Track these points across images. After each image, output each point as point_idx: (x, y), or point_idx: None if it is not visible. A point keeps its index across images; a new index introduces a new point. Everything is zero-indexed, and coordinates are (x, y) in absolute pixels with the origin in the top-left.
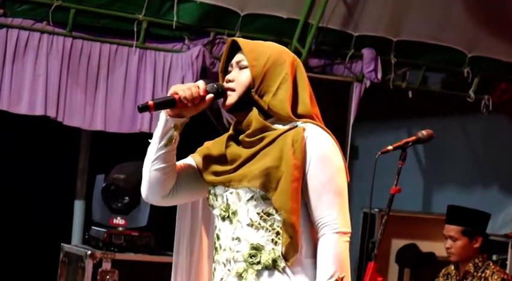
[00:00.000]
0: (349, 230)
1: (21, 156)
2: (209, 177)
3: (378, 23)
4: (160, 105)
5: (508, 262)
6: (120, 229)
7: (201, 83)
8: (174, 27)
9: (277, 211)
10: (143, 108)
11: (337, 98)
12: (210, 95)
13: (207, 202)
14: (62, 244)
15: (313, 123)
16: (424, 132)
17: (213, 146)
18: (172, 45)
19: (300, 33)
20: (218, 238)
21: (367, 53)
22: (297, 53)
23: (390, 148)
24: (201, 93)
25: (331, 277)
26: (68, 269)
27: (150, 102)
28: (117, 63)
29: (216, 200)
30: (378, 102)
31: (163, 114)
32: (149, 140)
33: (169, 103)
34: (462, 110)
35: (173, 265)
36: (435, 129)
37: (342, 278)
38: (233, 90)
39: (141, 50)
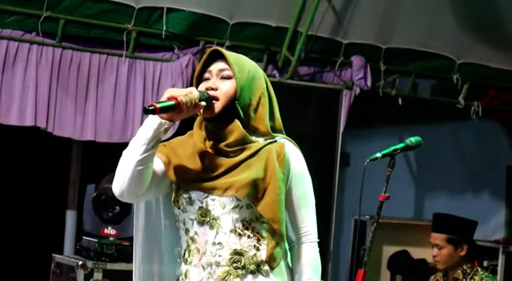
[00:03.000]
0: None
1: (13, 166)
2: (184, 181)
3: (367, 31)
4: (163, 109)
5: (498, 268)
6: (111, 238)
7: (194, 90)
8: (163, 36)
9: (257, 219)
10: (149, 111)
11: (327, 106)
12: (203, 103)
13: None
14: (53, 254)
15: (288, 139)
16: (412, 139)
17: (179, 147)
18: (162, 55)
19: (290, 41)
20: (193, 241)
21: (356, 60)
22: (287, 61)
23: (379, 155)
24: (196, 101)
25: (312, 279)
26: (60, 279)
27: (157, 106)
28: (107, 73)
29: (191, 205)
30: (370, 110)
31: (156, 117)
32: (131, 139)
33: (171, 108)
34: (452, 117)
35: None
36: (426, 135)
37: None
38: (217, 99)
39: (131, 60)
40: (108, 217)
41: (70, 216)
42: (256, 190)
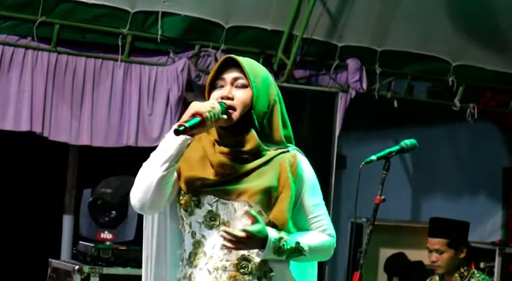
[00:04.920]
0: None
1: (10, 172)
2: (193, 185)
3: (362, 34)
4: (192, 127)
5: (495, 270)
6: (108, 243)
7: (216, 103)
8: (158, 40)
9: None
10: (180, 132)
11: (322, 109)
12: (224, 116)
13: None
14: (49, 259)
15: (297, 150)
16: (407, 141)
17: (188, 152)
18: (157, 59)
19: (285, 44)
20: (200, 245)
21: (352, 63)
22: (282, 64)
23: (374, 158)
24: (219, 115)
25: (304, 242)
26: None
27: (187, 125)
28: (102, 77)
29: (199, 208)
30: (366, 112)
31: (181, 135)
32: (152, 154)
33: (198, 125)
34: (448, 119)
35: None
36: (422, 138)
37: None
38: (234, 109)
39: (126, 64)
40: (104, 222)
41: (67, 221)
42: (268, 198)
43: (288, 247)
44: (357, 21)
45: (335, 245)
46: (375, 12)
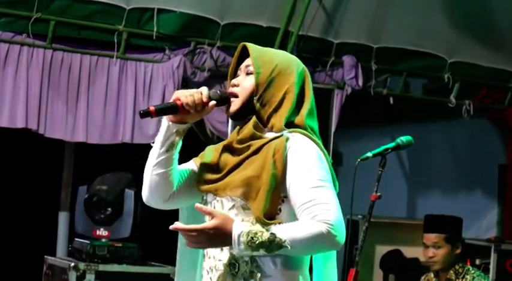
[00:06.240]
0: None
1: (5, 169)
2: (200, 184)
3: (358, 30)
4: (162, 111)
5: (490, 266)
6: (104, 240)
7: (204, 89)
8: (154, 37)
9: (256, 221)
10: (145, 113)
11: (318, 106)
12: (213, 102)
13: None
14: (45, 256)
15: (301, 133)
16: (403, 138)
17: (213, 151)
18: (153, 56)
19: (281, 41)
20: None
21: (347, 60)
22: None
23: (370, 154)
24: (204, 100)
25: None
26: None
27: (152, 108)
28: (98, 74)
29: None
30: (361, 109)
31: (165, 120)
32: (151, 144)
33: (172, 109)
34: (444, 116)
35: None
36: (418, 134)
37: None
38: (236, 96)
39: (122, 61)
40: (100, 219)
41: (62, 218)
42: (250, 189)
43: (261, 240)
44: (353, 18)
45: (335, 232)
46: (371, 9)
